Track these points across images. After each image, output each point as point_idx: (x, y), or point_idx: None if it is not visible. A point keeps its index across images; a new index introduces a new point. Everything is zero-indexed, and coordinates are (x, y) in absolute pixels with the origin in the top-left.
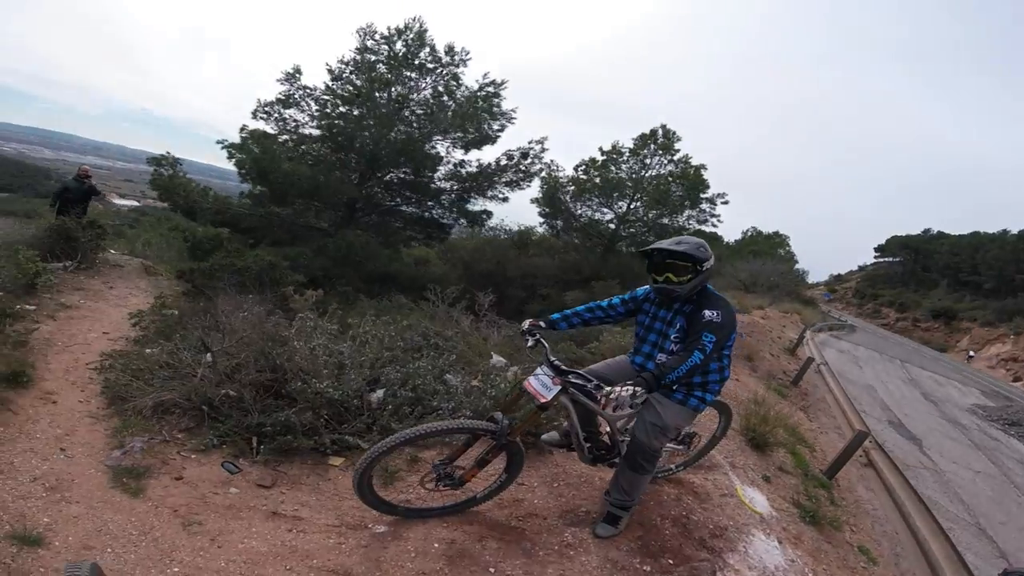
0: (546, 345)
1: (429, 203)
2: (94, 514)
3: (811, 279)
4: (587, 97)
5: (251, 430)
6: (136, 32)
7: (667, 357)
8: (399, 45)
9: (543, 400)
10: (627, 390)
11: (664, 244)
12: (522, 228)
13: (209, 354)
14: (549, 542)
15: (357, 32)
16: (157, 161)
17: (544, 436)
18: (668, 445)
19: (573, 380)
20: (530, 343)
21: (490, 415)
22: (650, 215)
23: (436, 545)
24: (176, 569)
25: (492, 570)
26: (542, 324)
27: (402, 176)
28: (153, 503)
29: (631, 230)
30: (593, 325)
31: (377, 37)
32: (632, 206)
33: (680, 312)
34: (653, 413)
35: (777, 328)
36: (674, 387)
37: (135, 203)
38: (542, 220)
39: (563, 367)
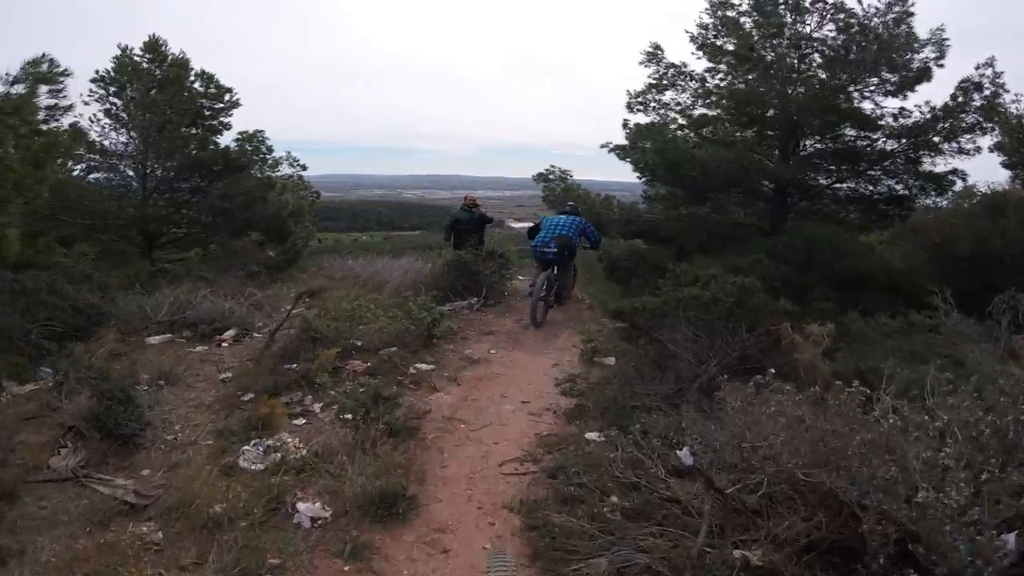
0: None
1: (872, 172)
2: None
3: None
4: None
5: None
6: (473, 75)
7: None
8: None
9: None
10: None
11: None
12: (991, 188)
13: (696, 468)
14: None
15: None
16: (544, 176)
17: None
18: None
19: None
20: None
21: None
22: None
23: None
24: None
25: None
26: None
27: (827, 144)
28: None
29: None
30: None
31: None
32: None
33: None
34: None
35: None
36: None
37: (531, 224)
38: (1012, 174)
39: None
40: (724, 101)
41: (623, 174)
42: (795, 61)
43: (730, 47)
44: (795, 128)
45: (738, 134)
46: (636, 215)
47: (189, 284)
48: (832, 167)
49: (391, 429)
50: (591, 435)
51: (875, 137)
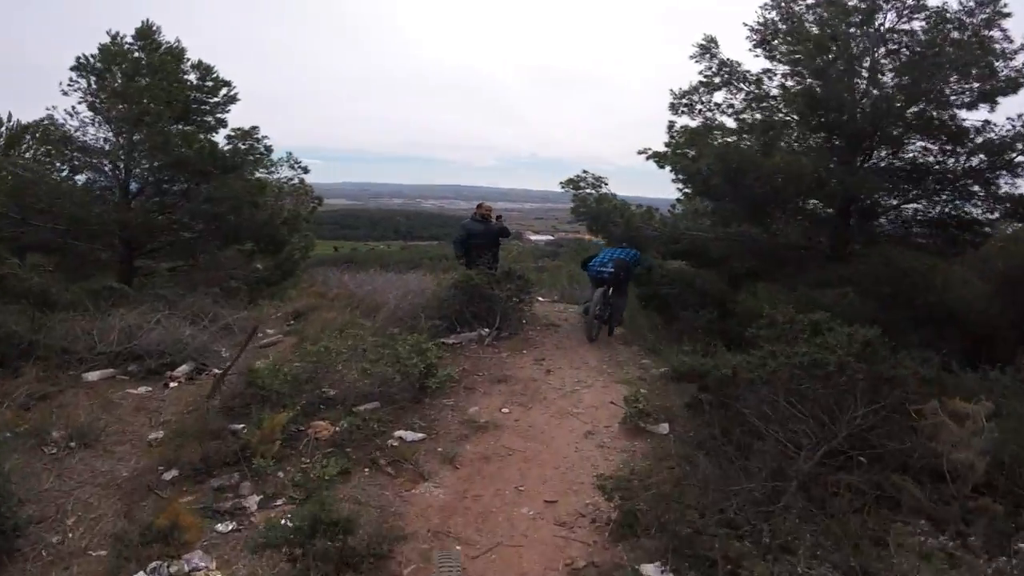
0: None
1: (945, 193)
2: None
3: None
4: None
5: None
6: (497, 87)
7: None
8: None
9: None
10: None
11: None
12: None
13: None
14: None
15: None
16: (574, 183)
17: None
18: None
19: None
20: None
21: None
22: None
23: None
24: None
25: None
26: None
27: (897, 158)
28: None
29: None
30: None
31: None
32: None
33: None
34: None
35: None
36: None
37: (550, 237)
38: None
39: None
40: (785, 104)
41: (647, 190)
42: (876, 59)
43: (799, 43)
44: (870, 136)
45: (783, 141)
46: (680, 233)
47: (148, 304)
48: (906, 185)
49: (346, 561)
50: (648, 570)
51: (960, 152)
